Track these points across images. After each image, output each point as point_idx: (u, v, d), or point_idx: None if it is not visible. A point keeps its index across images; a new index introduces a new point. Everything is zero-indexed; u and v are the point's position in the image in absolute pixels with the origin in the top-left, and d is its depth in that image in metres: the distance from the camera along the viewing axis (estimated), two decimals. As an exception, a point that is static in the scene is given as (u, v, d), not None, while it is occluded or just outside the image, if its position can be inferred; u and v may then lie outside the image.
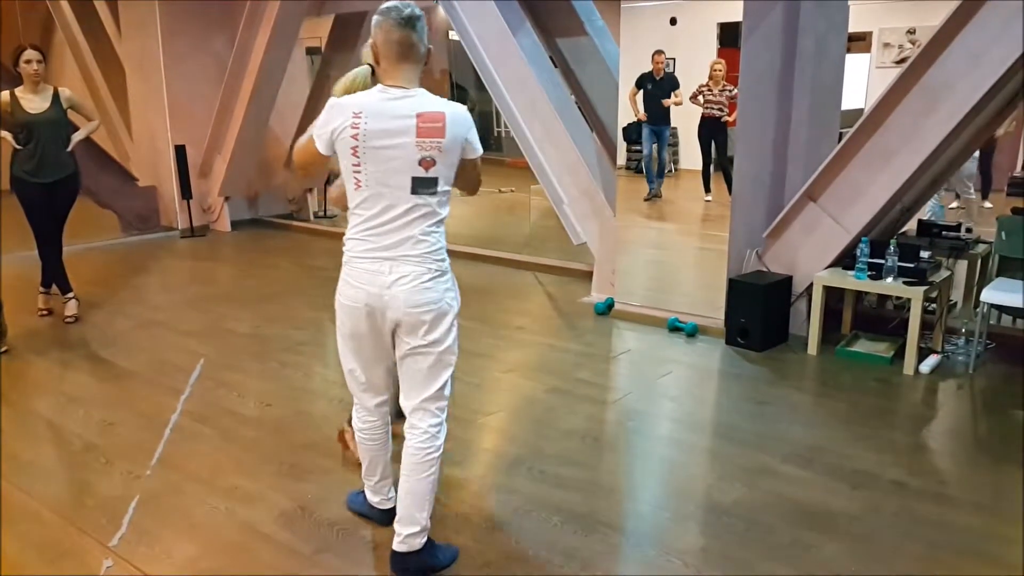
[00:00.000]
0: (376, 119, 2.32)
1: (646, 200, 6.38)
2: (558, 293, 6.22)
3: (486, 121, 15.18)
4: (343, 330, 2.55)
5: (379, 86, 2.40)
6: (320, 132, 2.37)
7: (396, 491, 2.70)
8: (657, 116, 6.11)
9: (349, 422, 3.16)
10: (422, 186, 2.37)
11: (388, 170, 2.34)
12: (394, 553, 2.57)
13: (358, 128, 2.31)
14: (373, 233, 2.39)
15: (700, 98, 5.81)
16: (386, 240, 2.38)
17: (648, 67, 5.87)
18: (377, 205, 2.37)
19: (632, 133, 6.26)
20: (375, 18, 2.38)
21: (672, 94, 6.07)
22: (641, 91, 5.97)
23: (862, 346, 4.74)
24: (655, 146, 6.28)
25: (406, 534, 2.54)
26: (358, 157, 2.33)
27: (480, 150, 2.51)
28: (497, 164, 14.03)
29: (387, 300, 2.40)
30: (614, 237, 5.79)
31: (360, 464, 3.17)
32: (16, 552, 2.80)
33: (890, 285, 4.46)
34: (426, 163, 2.35)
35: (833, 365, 4.58)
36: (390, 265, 2.39)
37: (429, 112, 2.35)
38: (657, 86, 5.93)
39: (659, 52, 5.80)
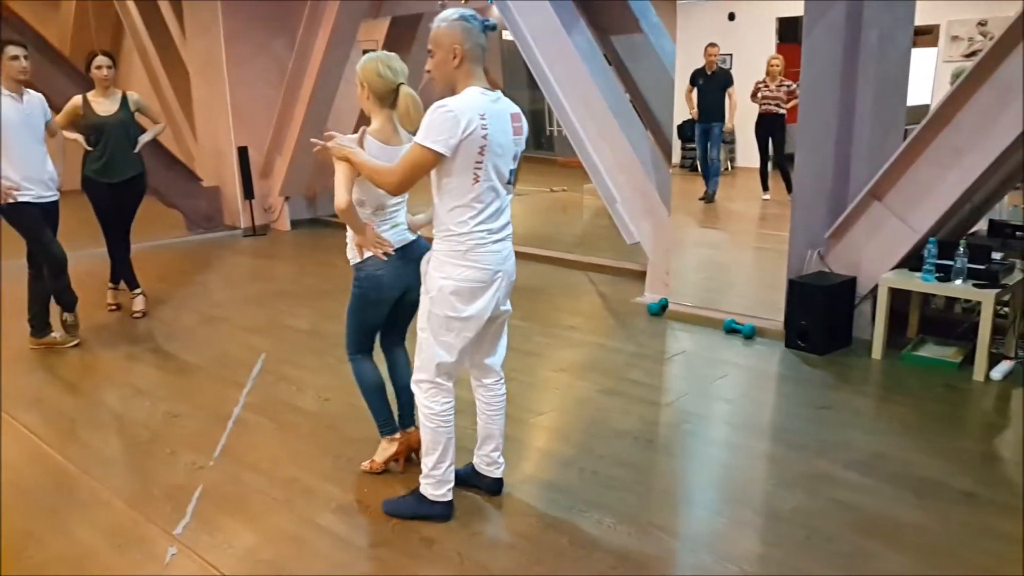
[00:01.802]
0: (495, 121, 2.61)
1: (701, 200, 6.28)
2: (611, 293, 6.18)
3: (538, 120, 15.14)
4: (458, 314, 2.72)
5: (478, 89, 2.62)
6: (442, 137, 2.52)
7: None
8: (708, 112, 5.99)
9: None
10: (511, 176, 2.76)
11: (498, 165, 2.66)
12: (496, 480, 3.10)
13: (487, 129, 2.57)
14: (490, 220, 2.68)
15: (759, 95, 5.69)
16: (497, 223, 2.71)
17: (724, 64, 5.76)
18: (489, 196, 2.66)
19: (687, 131, 6.16)
20: (456, 23, 2.59)
21: (727, 93, 5.93)
22: (695, 88, 5.87)
23: (929, 351, 4.60)
24: (709, 144, 6.17)
25: (502, 462, 3.10)
26: (483, 155, 2.59)
27: None
28: (549, 163, 14.04)
29: (504, 275, 2.77)
30: (668, 236, 5.72)
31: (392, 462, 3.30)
32: (87, 537, 2.90)
33: (959, 287, 4.31)
34: (515, 157, 2.75)
35: (898, 370, 4.45)
36: (503, 245, 2.75)
37: (515, 112, 2.73)
38: (709, 81, 5.81)
39: (712, 45, 5.68)
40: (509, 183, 2.75)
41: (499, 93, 2.69)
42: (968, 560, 2.68)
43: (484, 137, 2.56)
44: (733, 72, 5.80)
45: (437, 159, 2.55)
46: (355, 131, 2.95)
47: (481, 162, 2.59)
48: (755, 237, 6.30)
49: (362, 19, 8.04)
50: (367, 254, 2.99)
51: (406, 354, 3.37)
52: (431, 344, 2.79)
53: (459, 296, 2.70)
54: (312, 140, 3.07)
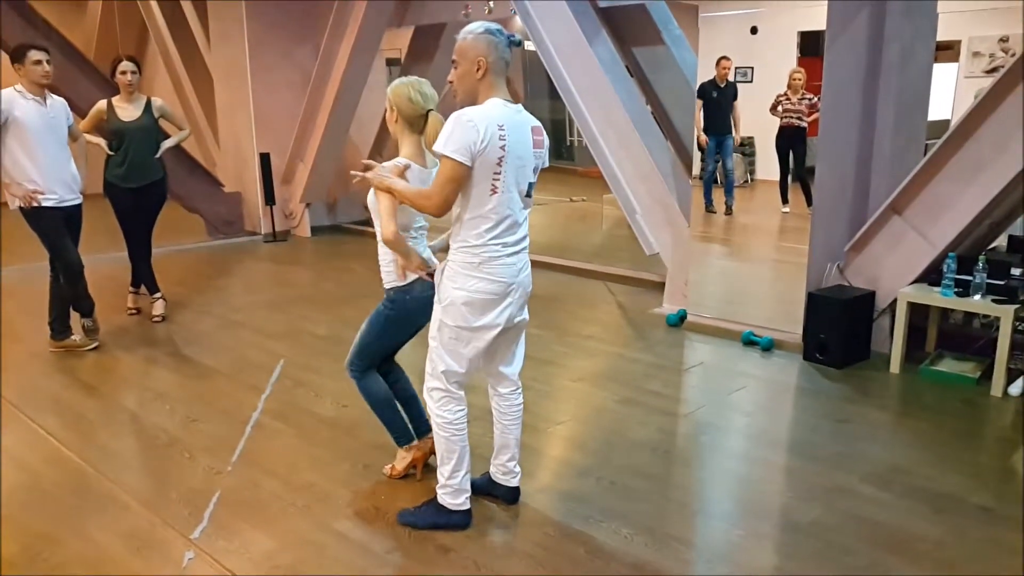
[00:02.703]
0: (514, 132, 2.62)
1: (709, 211, 6.23)
2: (629, 303, 6.18)
3: (558, 130, 15.17)
4: (469, 325, 2.73)
5: (499, 100, 2.63)
6: (462, 145, 2.52)
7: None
8: (722, 125, 5.99)
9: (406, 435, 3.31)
10: (531, 189, 2.76)
11: (517, 177, 2.66)
12: (513, 488, 3.11)
13: (505, 140, 2.57)
14: (506, 233, 2.68)
15: (779, 108, 5.68)
16: (514, 237, 2.71)
17: (731, 76, 5.74)
18: (506, 208, 2.66)
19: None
20: (482, 36, 2.61)
21: (734, 105, 5.95)
22: (704, 101, 5.84)
23: (947, 365, 4.57)
24: (718, 156, 6.14)
25: (518, 471, 3.10)
26: (501, 166, 2.58)
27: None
28: (569, 173, 14.04)
29: (518, 287, 2.77)
30: (687, 248, 5.72)
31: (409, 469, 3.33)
32: (105, 540, 2.93)
33: (978, 303, 4.28)
34: (535, 170, 2.76)
35: (916, 384, 4.42)
36: (518, 258, 2.75)
37: (535, 126, 2.73)
38: (722, 93, 5.81)
39: (725, 58, 5.69)
40: (528, 196, 2.76)
41: (520, 106, 2.71)
42: (985, 575, 2.67)
43: (503, 148, 2.57)
44: (755, 85, 5.80)
45: (465, 169, 2.56)
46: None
47: (499, 173, 2.59)
48: (774, 249, 6.29)
49: (386, 27, 8.11)
50: (411, 277, 2.99)
51: (401, 367, 3.41)
52: (441, 353, 2.80)
53: (471, 308, 2.71)
54: (352, 172, 3.04)
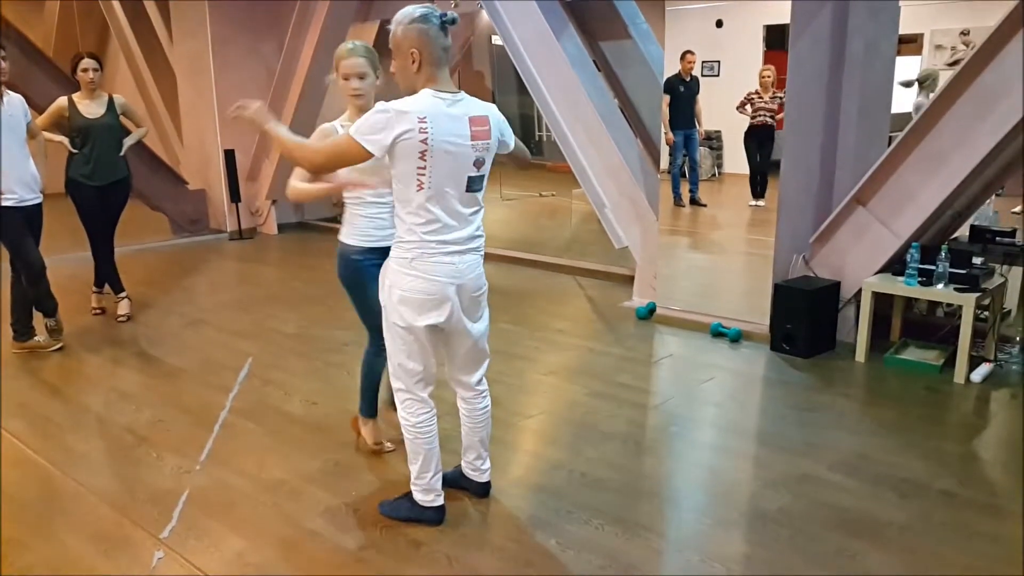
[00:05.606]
0: (440, 123, 2.47)
1: (678, 205, 6.28)
2: (599, 297, 6.21)
3: (527, 125, 15.20)
4: (409, 324, 2.66)
5: (430, 91, 2.51)
6: (374, 137, 2.44)
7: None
8: (688, 119, 6.06)
9: (366, 409, 3.42)
10: (475, 184, 2.61)
11: (451, 171, 2.52)
12: (483, 483, 3.11)
13: (426, 133, 2.44)
14: (443, 230, 2.57)
15: (748, 107, 5.73)
16: (453, 235, 2.59)
17: (695, 71, 5.79)
18: (440, 204, 2.54)
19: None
20: (412, 26, 2.49)
21: (696, 99, 6.02)
22: (671, 96, 5.89)
23: (911, 354, 4.65)
24: (685, 151, 6.21)
25: (486, 468, 3.10)
26: (425, 160, 2.46)
27: (511, 141, 2.78)
28: (538, 168, 14.04)
29: (459, 288, 2.66)
30: (656, 241, 5.76)
31: (374, 450, 3.42)
32: (73, 542, 2.89)
33: (941, 292, 4.36)
34: (478, 163, 2.59)
35: (881, 373, 4.49)
36: (460, 257, 2.62)
37: (477, 116, 2.57)
38: (688, 87, 5.88)
39: (690, 52, 5.76)
40: (475, 191, 2.62)
41: (461, 94, 2.55)
42: (949, 558, 2.72)
43: (424, 141, 2.43)
44: (721, 78, 5.86)
45: (363, 156, 2.45)
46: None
47: (424, 167, 2.47)
48: (742, 242, 6.35)
49: (351, 23, 8.05)
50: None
51: None
52: (393, 349, 2.76)
53: (407, 306, 2.63)
54: (228, 112, 2.80)
